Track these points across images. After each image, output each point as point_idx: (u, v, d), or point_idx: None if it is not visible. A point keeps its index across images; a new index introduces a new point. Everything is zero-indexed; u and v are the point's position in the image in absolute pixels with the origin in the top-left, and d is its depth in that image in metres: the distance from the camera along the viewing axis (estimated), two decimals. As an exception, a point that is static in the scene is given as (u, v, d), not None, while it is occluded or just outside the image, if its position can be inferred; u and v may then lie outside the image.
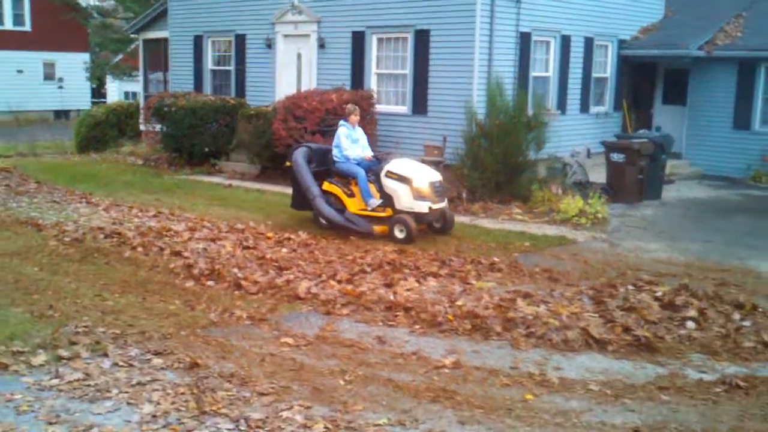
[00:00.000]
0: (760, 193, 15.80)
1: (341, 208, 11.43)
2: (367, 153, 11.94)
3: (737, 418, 5.44)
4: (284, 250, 10.08)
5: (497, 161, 13.98)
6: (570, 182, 14.91)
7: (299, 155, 11.90)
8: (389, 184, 11.25)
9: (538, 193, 13.69)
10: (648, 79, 19.40)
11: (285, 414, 5.13)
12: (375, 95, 16.71)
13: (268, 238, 10.76)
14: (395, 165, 11.40)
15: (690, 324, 7.22)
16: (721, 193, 15.70)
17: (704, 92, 18.18)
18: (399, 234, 10.94)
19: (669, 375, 6.21)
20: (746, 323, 7.30)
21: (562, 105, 17.07)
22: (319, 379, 5.86)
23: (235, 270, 8.82)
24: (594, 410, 5.49)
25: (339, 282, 8.48)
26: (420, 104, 16.29)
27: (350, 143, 11.78)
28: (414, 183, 11.08)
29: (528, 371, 6.19)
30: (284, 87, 18.38)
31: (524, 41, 15.99)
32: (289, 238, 10.74)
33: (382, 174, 11.32)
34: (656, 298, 7.82)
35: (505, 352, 6.66)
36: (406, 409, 5.34)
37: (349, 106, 12.56)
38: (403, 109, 16.69)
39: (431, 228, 11.52)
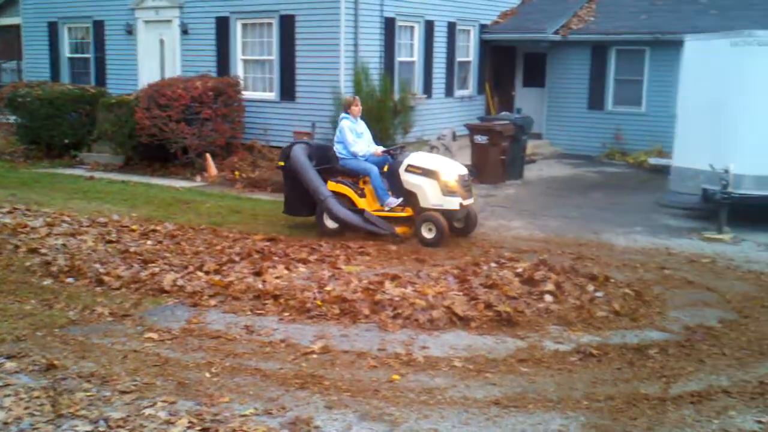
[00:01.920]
0: (614, 170, 16.70)
1: (355, 210, 10.37)
2: (374, 148, 10.77)
3: (590, 384, 5.74)
4: (149, 242, 9.80)
5: (366, 146, 14.08)
6: (437, 165, 15.21)
7: (300, 152, 10.63)
8: (411, 180, 10.23)
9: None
10: (509, 63, 20.07)
11: (148, 411, 5.02)
12: (242, 82, 16.52)
13: (133, 230, 10.44)
14: (416, 158, 10.40)
15: (548, 297, 7.53)
16: (578, 171, 16.47)
17: (561, 75, 19.01)
18: (428, 234, 9.99)
19: (528, 347, 6.47)
20: (599, 294, 7.70)
21: (427, 89, 17.40)
22: (184, 373, 5.76)
23: (97, 265, 8.51)
24: (457, 386, 5.66)
25: (206, 273, 8.34)
26: (288, 90, 16.23)
27: (355, 137, 10.61)
28: (442, 177, 10.11)
29: (395, 352, 6.29)
30: (147, 74, 17.87)
31: (389, 26, 16.18)
32: (154, 230, 10.45)
33: (401, 169, 10.28)
34: (517, 274, 8.10)
35: (373, 334, 6.74)
36: (274, 398, 5.34)
37: (349, 96, 11.34)
38: (271, 95, 16.58)
39: (451, 228, 10.35)
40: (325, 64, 15.47)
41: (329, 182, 10.52)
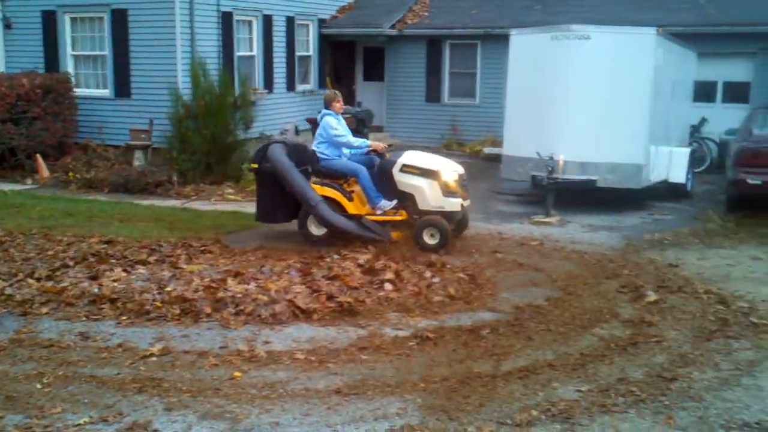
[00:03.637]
0: (452, 160, 17.26)
1: (346, 215, 9.56)
2: (371, 143, 10.06)
3: (427, 367, 5.96)
4: (-27, 252, 9.24)
5: (206, 142, 13.94)
6: (281, 159, 15.21)
7: (280, 152, 9.62)
8: (408, 181, 9.52)
9: (249, 172, 13.83)
10: (349, 57, 20.34)
11: (-28, 428, 4.79)
12: (73, 78, 15.83)
13: (-46, 239, 9.80)
14: (412, 157, 9.72)
15: (388, 286, 7.75)
16: (419, 162, 16.92)
17: (399, 69, 19.48)
18: (430, 240, 9.31)
19: (369, 335, 6.63)
20: (436, 280, 8.02)
21: (268, 84, 17.35)
22: (12, 385, 5.49)
23: None
24: (299, 378, 5.73)
25: (38, 279, 7.97)
26: (123, 87, 15.74)
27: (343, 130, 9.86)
28: (443, 177, 9.48)
29: (237, 349, 6.28)
30: (-34, 72, 16.72)
31: (226, 21, 16.00)
32: (-22, 239, 9.86)
33: (395, 169, 9.54)
34: (358, 265, 8.30)
35: (214, 332, 6.70)
36: (110, 404, 5.21)
37: (330, 91, 10.34)
38: (105, 92, 16.04)
39: None
40: (161, 60, 15.11)
41: (314, 186, 9.70)
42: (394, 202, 9.66)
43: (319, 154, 9.87)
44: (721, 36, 16.51)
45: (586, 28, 12.02)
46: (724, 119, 15.97)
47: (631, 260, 9.23)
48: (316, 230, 9.77)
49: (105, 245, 9.49)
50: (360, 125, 15.19)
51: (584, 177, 11.85)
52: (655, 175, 12.57)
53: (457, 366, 5.98)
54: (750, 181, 11.04)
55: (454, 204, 9.52)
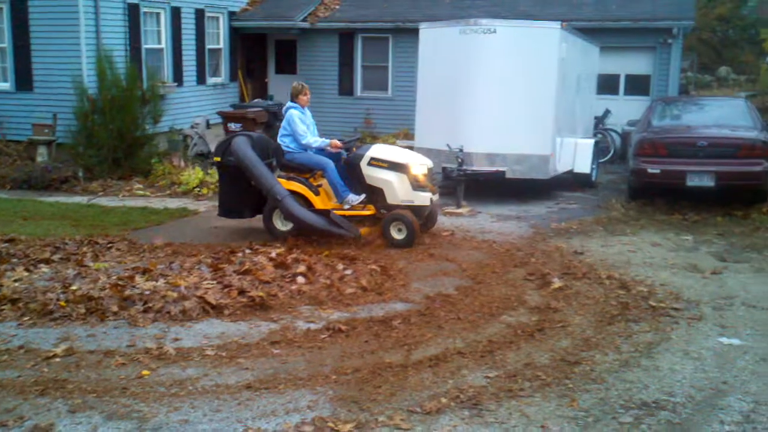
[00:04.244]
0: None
1: (314, 210, 9.29)
2: (331, 140, 9.71)
3: (339, 359, 5.98)
4: None
5: (113, 137, 13.63)
6: (192, 154, 15.02)
7: (244, 145, 9.30)
8: (376, 175, 9.33)
9: (158, 166, 13.61)
10: (261, 50, 20.17)
11: None
12: (-31, 71, 15.20)
13: None
14: (380, 151, 9.51)
15: (300, 279, 7.73)
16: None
17: (312, 62, 19.41)
18: (397, 235, 9.20)
19: (281, 329, 6.59)
20: (348, 272, 8.02)
21: (178, 77, 17.04)
22: None
23: None
24: (210, 374, 5.66)
25: (-67, 282, 7.64)
26: (24, 80, 15.22)
27: (305, 128, 9.60)
28: (412, 170, 9.31)
29: (145, 347, 6.16)
30: None
31: (133, 13, 15.65)
32: None
33: (363, 163, 9.33)
34: (270, 259, 8.24)
35: (122, 331, 6.55)
36: (10, 408, 5.03)
37: (296, 83, 9.90)
38: (6, 85, 15.48)
39: None
40: (64, 52, 14.67)
41: (279, 180, 9.42)
42: (363, 196, 9.49)
43: (284, 148, 9.62)
44: (622, 30, 17.09)
45: (492, 22, 12.24)
46: (626, 111, 16.59)
47: (538, 248, 9.48)
48: (281, 226, 9.56)
49: (6, 244, 9.15)
50: (272, 118, 15.11)
51: (493, 168, 12.08)
52: (561, 166, 12.92)
53: (369, 357, 6.02)
54: (650, 171, 11.46)
55: (424, 198, 9.42)
